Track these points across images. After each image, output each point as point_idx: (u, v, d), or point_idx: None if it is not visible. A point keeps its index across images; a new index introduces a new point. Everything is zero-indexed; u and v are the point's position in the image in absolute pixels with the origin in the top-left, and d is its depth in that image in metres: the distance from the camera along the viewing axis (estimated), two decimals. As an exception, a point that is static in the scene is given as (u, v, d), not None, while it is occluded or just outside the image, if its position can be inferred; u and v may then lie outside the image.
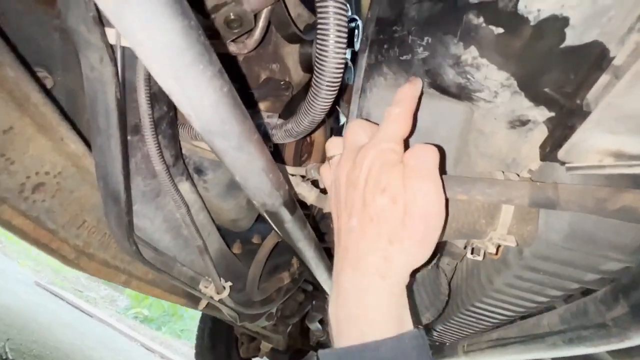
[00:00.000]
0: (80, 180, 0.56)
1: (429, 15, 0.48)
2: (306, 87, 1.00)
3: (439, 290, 0.67)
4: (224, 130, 0.30)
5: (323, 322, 1.56)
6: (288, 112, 0.91)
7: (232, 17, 0.50)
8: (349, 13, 0.57)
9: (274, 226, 0.48)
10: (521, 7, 0.34)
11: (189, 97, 0.27)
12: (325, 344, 1.80)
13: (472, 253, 0.52)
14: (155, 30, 0.22)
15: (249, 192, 0.39)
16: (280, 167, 0.69)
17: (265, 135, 0.65)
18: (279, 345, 1.76)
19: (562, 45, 0.35)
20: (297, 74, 0.95)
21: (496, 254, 0.49)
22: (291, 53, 0.89)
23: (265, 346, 1.81)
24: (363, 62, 0.66)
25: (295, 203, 0.46)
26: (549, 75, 0.38)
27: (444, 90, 0.50)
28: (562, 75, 0.37)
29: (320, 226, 1.12)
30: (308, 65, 0.94)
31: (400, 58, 0.55)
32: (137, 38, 0.22)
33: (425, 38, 0.49)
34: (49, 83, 0.63)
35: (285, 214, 0.45)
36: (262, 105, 0.83)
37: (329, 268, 0.70)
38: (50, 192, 0.52)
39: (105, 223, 0.58)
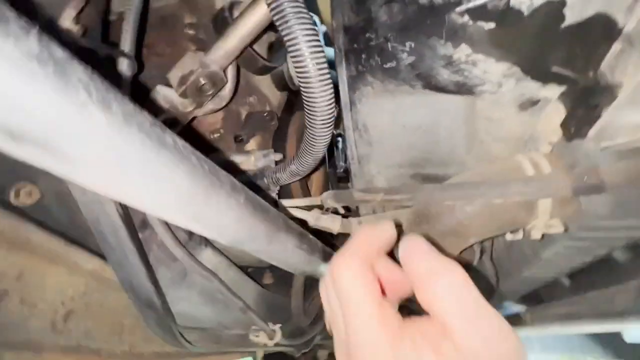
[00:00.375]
0: (105, 291, 0.54)
1: (404, 18, 0.45)
2: (287, 105, 0.96)
3: (488, 276, 0.67)
4: (252, 235, 0.28)
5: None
6: (278, 137, 0.88)
7: (203, 81, 0.47)
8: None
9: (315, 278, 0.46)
10: (513, 1, 0.31)
11: (210, 227, 0.25)
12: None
13: (510, 232, 0.51)
14: (160, 190, 0.20)
15: (289, 269, 0.37)
16: (293, 204, 0.67)
17: (271, 182, 0.63)
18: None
19: (563, 26, 0.32)
20: (275, 97, 0.91)
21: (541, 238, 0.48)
22: (264, 79, 0.85)
23: (323, 354, 1.83)
24: (343, 75, 0.63)
25: (331, 253, 0.45)
26: (554, 55, 0.35)
27: (440, 89, 0.48)
28: (568, 53, 0.35)
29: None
30: (283, 84, 0.91)
31: (384, 66, 0.52)
32: (143, 202, 0.20)
33: (408, 43, 0.46)
34: (35, 195, 0.60)
35: (325, 268, 0.43)
36: (253, 143, 0.80)
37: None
38: (82, 314, 0.50)
39: (142, 318, 0.56)
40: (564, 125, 0.40)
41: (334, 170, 1.42)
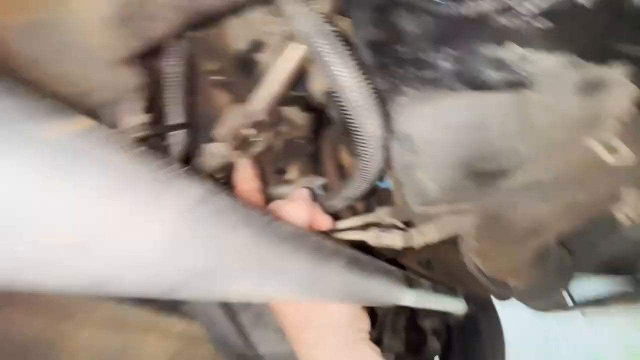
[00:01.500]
0: (193, 347, 0.55)
1: (439, 28, 0.44)
2: (314, 124, 0.96)
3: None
4: (353, 291, 0.28)
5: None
6: (313, 160, 0.88)
7: (250, 132, 0.48)
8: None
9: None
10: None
11: (323, 296, 0.25)
12: (439, 330, 1.78)
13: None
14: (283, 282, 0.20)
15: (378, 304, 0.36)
16: (348, 225, 0.66)
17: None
18: (400, 350, 1.76)
19: (632, 6, 0.30)
20: (301, 120, 0.91)
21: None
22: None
23: (389, 356, 1.81)
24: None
25: (411, 277, 0.44)
26: (619, 36, 0.33)
27: (489, 89, 0.46)
28: (635, 33, 0.32)
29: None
30: (306, 105, 0.91)
31: (421, 75, 0.51)
32: (271, 296, 0.20)
33: (447, 51, 0.44)
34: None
35: (411, 295, 0.43)
36: (294, 172, 0.80)
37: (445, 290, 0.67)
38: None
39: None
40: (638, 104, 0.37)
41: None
